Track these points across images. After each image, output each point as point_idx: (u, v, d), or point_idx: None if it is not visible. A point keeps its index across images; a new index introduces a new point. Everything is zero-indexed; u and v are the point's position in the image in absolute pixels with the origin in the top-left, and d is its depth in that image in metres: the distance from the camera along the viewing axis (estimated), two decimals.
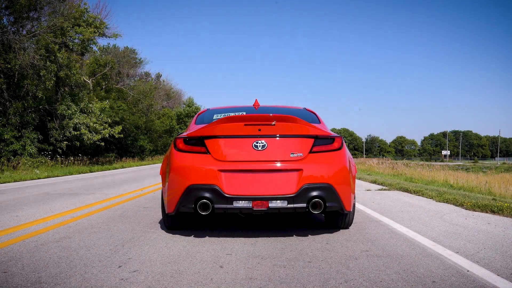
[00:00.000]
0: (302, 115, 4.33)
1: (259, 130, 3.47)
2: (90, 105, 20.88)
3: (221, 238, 3.63)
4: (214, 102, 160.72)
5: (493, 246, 3.35)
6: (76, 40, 20.93)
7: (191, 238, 3.67)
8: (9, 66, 16.36)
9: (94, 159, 24.34)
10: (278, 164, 3.39)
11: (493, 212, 5.09)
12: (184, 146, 3.56)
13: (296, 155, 3.44)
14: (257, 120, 3.50)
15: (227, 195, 3.30)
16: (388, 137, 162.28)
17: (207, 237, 3.70)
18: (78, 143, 21.26)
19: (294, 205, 3.32)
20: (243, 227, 4.13)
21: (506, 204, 5.21)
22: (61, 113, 19.37)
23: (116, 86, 33.95)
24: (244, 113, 4.43)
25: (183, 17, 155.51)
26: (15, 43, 16.18)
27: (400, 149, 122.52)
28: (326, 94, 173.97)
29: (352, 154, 8.38)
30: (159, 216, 4.86)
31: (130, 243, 3.47)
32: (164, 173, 3.76)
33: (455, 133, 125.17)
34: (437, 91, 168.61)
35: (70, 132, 19.61)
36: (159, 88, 45.65)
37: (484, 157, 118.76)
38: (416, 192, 7.53)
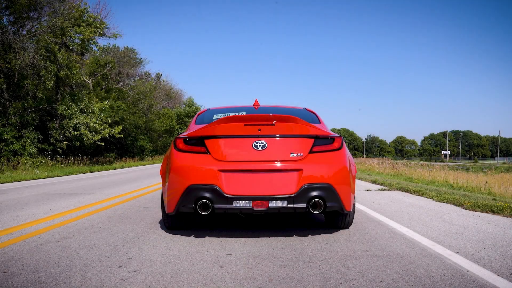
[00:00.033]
0: (302, 115, 4.33)
1: (259, 130, 3.47)
2: (90, 105, 20.88)
3: (221, 238, 3.63)
4: (214, 102, 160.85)
5: (493, 246, 3.35)
6: (76, 40, 20.93)
7: (191, 238, 3.67)
8: (9, 66, 16.36)
9: (94, 159, 24.34)
10: (278, 164, 3.39)
11: (493, 212, 5.09)
12: (184, 146, 3.56)
13: (296, 155, 3.44)
14: (257, 120, 3.50)
15: (227, 195, 3.30)
16: (388, 137, 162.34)
17: (207, 237, 3.70)
18: (78, 143, 21.26)
19: (294, 205, 3.32)
20: (243, 227, 4.13)
21: (506, 204, 5.21)
22: (61, 113, 19.37)
23: (116, 86, 33.95)
24: (244, 113, 4.43)
25: (183, 17, 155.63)
26: (15, 43, 16.18)
27: (400, 149, 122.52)
28: (326, 94, 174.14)
29: (352, 154, 8.39)
30: (159, 216, 4.86)
31: (130, 243, 3.47)
32: (164, 173, 3.76)
33: (455, 133, 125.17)
34: (437, 91, 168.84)
35: (70, 132, 19.61)
36: (159, 88, 45.66)
37: (484, 157, 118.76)
38: (416, 192, 7.53)
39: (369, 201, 6.41)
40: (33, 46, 17.25)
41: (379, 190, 8.38)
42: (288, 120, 3.53)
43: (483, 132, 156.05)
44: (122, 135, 24.26)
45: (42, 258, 2.98)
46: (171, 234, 3.82)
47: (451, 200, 6.12)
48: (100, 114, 21.55)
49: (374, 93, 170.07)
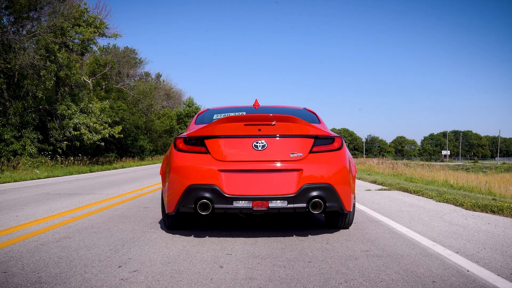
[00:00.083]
0: (302, 115, 4.33)
1: (259, 130, 3.47)
2: (90, 105, 20.87)
3: (221, 238, 3.63)
4: (214, 102, 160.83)
5: (493, 246, 3.35)
6: (76, 40, 20.93)
7: (191, 238, 3.67)
8: (9, 66, 16.36)
9: (94, 159, 24.34)
10: (278, 164, 3.39)
11: (493, 212, 5.08)
12: (184, 146, 3.56)
13: (296, 155, 3.44)
14: (257, 120, 3.50)
15: (227, 195, 3.30)
16: (388, 137, 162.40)
17: (207, 237, 3.70)
18: (78, 143, 21.27)
19: (294, 205, 3.32)
20: (243, 227, 4.13)
21: (506, 204, 5.21)
22: (61, 113, 19.37)
23: (116, 86, 33.96)
24: (244, 113, 4.43)
25: (183, 17, 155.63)
26: (15, 43, 16.18)
27: (400, 149, 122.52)
28: (326, 94, 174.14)
29: (352, 154, 8.38)
30: (159, 216, 4.86)
31: (130, 243, 3.47)
32: (164, 173, 3.76)
33: (455, 133, 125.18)
34: (437, 91, 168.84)
35: (70, 132, 19.61)
36: (159, 88, 45.66)
37: (484, 157, 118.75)
38: (416, 192, 7.53)
39: (369, 201, 6.41)
40: (33, 46, 17.25)
41: (379, 190, 8.38)
42: (288, 120, 3.53)
43: (483, 132, 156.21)
44: (122, 135, 24.26)
45: (42, 258, 2.98)
46: (171, 234, 3.82)
47: (451, 200, 6.12)
48: (100, 114, 21.54)
49: (374, 93, 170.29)
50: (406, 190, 8.04)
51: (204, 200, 3.32)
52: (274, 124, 3.48)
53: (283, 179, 3.36)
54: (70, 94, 21.00)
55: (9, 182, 10.88)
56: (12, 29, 17.26)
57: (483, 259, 2.94)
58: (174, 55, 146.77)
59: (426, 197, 6.87)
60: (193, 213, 3.53)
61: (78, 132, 19.85)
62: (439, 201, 6.27)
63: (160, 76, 49.04)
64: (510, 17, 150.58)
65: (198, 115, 4.60)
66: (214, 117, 4.34)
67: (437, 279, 2.50)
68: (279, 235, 3.77)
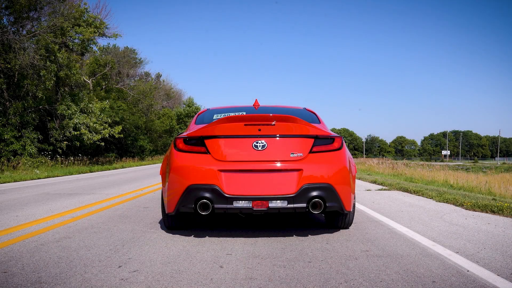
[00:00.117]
0: (302, 115, 4.33)
1: (259, 130, 3.47)
2: (90, 105, 20.88)
3: (221, 238, 3.63)
4: (214, 102, 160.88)
5: (493, 246, 3.35)
6: (76, 40, 20.93)
7: (191, 238, 3.67)
8: (9, 66, 16.36)
9: (94, 159, 24.34)
10: (278, 164, 3.39)
11: (493, 212, 5.08)
12: (184, 146, 3.56)
13: (296, 155, 3.44)
14: (257, 120, 3.50)
15: (227, 195, 3.30)
16: (388, 137, 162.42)
17: (207, 237, 3.70)
18: (78, 143, 21.27)
19: (294, 205, 3.32)
20: (243, 227, 4.13)
21: (506, 204, 5.21)
22: (61, 113, 19.37)
23: (116, 86, 33.96)
24: (244, 113, 4.43)
25: (183, 17, 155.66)
26: (15, 43, 16.18)
27: (400, 149, 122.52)
28: (326, 94, 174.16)
29: (352, 154, 8.37)
30: (159, 216, 4.86)
31: (130, 243, 3.47)
32: (164, 173, 3.76)
33: (455, 133, 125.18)
34: (437, 91, 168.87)
35: (70, 132, 19.61)
36: (159, 88, 45.66)
37: (484, 157, 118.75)
38: (416, 192, 7.53)
39: (369, 201, 6.41)
40: (33, 46, 17.25)
41: (379, 190, 8.38)
42: (288, 120, 3.53)
43: (483, 132, 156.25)
44: (122, 135, 24.26)
45: (42, 258, 2.98)
46: (171, 234, 3.82)
47: (451, 200, 6.12)
48: (100, 114, 21.55)
49: (374, 93, 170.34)
50: (406, 190, 8.04)
51: (204, 200, 3.32)
52: (274, 124, 3.48)
53: (283, 179, 3.36)
54: (70, 94, 21.00)
55: (9, 182, 10.88)
56: (12, 29, 17.26)
57: (483, 259, 2.94)
58: (174, 55, 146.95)
59: (426, 197, 6.87)
60: (193, 213, 3.53)
61: (78, 132, 19.86)
62: (439, 201, 6.27)
63: (160, 76, 49.09)
64: (510, 17, 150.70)
65: (198, 115, 4.60)
66: (214, 117, 4.34)
67: (437, 279, 2.50)
68: (279, 235, 3.77)
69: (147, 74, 45.04)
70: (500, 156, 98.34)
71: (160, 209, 5.11)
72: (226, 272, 2.64)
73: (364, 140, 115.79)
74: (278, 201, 3.31)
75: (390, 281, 2.46)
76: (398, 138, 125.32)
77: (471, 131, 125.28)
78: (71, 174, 14.92)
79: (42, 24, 17.76)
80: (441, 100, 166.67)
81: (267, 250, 3.21)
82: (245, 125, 3.48)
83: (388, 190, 8.41)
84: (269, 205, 3.30)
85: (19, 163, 15.63)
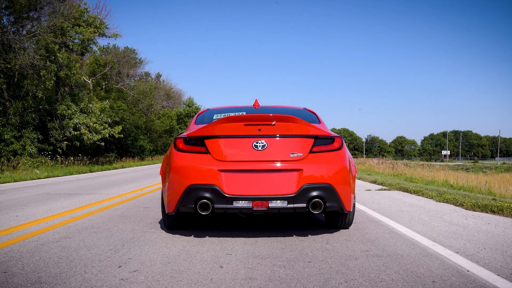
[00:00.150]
0: (302, 115, 4.33)
1: (259, 130, 3.47)
2: (90, 105, 20.88)
3: (221, 238, 3.63)
4: (214, 102, 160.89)
5: (493, 246, 3.35)
6: (76, 40, 20.94)
7: (191, 238, 3.67)
8: (9, 66, 16.36)
9: (94, 159, 24.34)
10: (278, 164, 3.39)
11: (493, 212, 5.08)
12: (184, 146, 3.56)
13: (296, 155, 3.44)
14: (257, 120, 3.50)
15: (227, 195, 3.30)
16: (388, 137, 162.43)
17: (207, 237, 3.70)
18: (78, 143, 21.26)
19: (294, 205, 3.32)
20: (243, 227, 4.13)
21: (506, 204, 5.21)
22: (61, 113, 19.37)
23: (116, 86, 33.96)
24: (244, 113, 4.43)
25: (183, 17, 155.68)
26: (15, 43, 16.18)
27: (400, 149, 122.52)
28: (326, 94, 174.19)
29: (352, 154, 8.38)
30: (159, 216, 4.86)
31: (130, 243, 3.47)
32: (164, 173, 3.76)
33: (455, 133, 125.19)
34: (437, 91, 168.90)
35: (70, 132, 19.61)
36: (159, 88, 45.65)
37: (484, 157, 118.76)
38: (416, 192, 7.53)
39: (369, 201, 6.41)
40: (33, 46, 17.25)
41: (379, 190, 8.38)
42: (288, 120, 3.53)
43: (483, 132, 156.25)
44: (122, 135, 24.26)
45: (42, 258, 2.98)
46: (171, 234, 3.82)
47: (451, 200, 6.12)
48: (100, 114, 21.55)
49: (374, 93, 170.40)
50: (406, 190, 8.04)
51: (204, 200, 3.32)
52: (274, 124, 3.48)
53: (283, 179, 3.36)
54: (70, 94, 21.00)
55: (9, 182, 10.88)
56: (12, 29, 17.26)
57: (483, 259, 2.94)
58: (174, 55, 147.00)
59: (426, 197, 6.87)
60: (193, 213, 3.53)
61: (78, 132, 19.86)
62: (439, 201, 6.27)
63: (160, 76, 49.09)
64: (510, 17, 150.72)
65: (198, 115, 4.60)
66: (214, 117, 4.34)
67: (437, 279, 2.50)
68: (279, 235, 3.77)
69: (147, 74, 45.07)
70: (500, 156, 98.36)
71: (160, 209, 5.11)
72: (226, 272, 2.64)
73: (364, 140, 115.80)
74: (278, 201, 3.31)
75: (390, 281, 2.46)
76: (398, 138, 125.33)
77: (471, 131, 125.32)
78: (71, 174, 14.92)
79: (42, 24, 17.76)
80: (441, 100, 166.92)
81: (267, 250, 3.21)
82: (245, 125, 3.48)
83: (388, 190, 8.41)
84: (269, 205, 3.30)
85: (19, 163, 15.63)
